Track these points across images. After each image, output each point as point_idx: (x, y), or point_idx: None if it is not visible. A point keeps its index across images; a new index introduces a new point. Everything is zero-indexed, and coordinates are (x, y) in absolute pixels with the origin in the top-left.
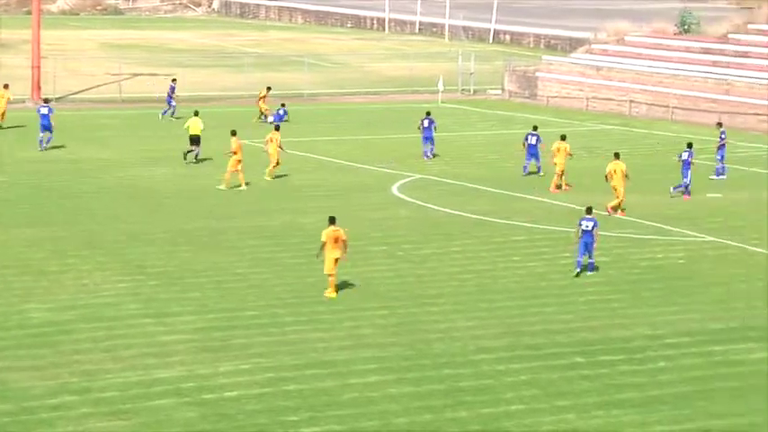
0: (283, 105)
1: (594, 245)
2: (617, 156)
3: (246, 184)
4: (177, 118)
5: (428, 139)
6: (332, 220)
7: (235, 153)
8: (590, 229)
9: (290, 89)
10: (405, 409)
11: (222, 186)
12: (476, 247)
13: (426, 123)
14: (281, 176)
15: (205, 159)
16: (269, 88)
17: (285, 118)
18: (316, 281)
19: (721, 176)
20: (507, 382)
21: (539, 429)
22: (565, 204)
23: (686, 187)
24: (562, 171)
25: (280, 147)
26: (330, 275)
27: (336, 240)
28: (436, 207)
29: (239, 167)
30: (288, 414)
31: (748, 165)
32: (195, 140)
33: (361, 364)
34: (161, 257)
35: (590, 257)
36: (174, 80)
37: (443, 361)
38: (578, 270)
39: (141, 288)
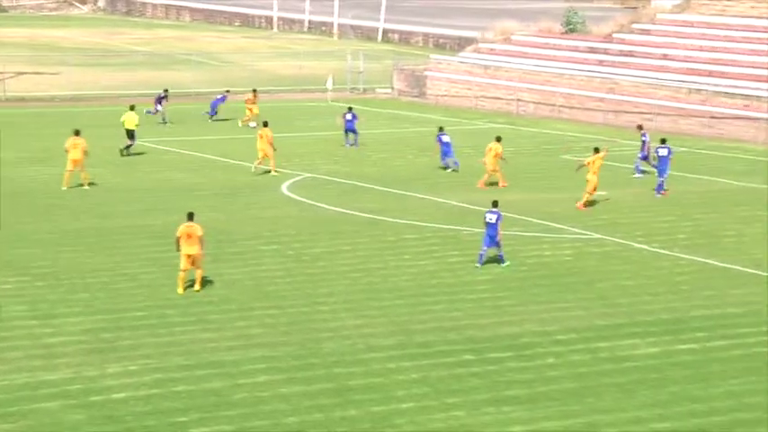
0: (228, 92)
1: (498, 238)
2: (597, 150)
3: (90, 184)
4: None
5: (352, 130)
6: (189, 216)
7: (67, 152)
8: (494, 221)
9: (179, 88)
10: (295, 409)
11: (64, 187)
12: (366, 246)
13: (350, 117)
14: (166, 175)
15: (140, 153)
16: (255, 91)
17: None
18: (205, 281)
19: (641, 175)
20: (398, 381)
21: (429, 427)
22: (454, 203)
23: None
24: (493, 170)
25: (271, 144)
26: (182, 271)
27: (190, 236)
28: (326, 206)
29: (75, 168)
30: (177, 415)
31: (633, 163)
32: (130, 134)
33: (250, 364)
34: (47, 258)
35: (498, 250)
36: (165, 90)
37: (334, 360)
38: (479, 264)
39: (27, 289)
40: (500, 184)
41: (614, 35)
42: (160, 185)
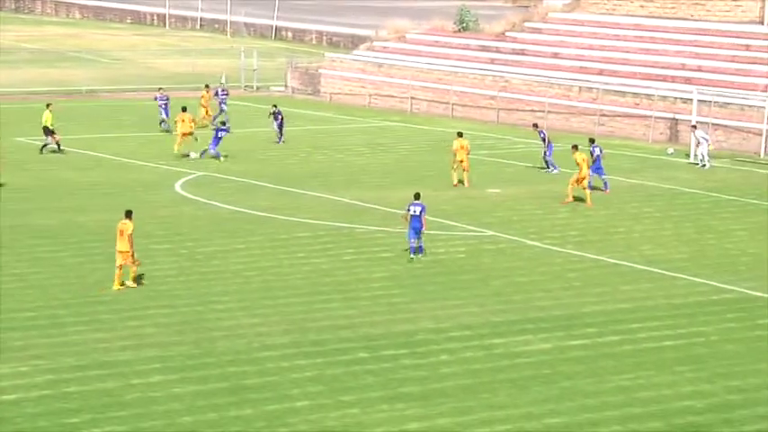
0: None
1: (423, 229)
2: (576, 147)
3: None
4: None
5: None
6: (126, 214)
7: None
8: (418, 213)
9: (69, 85)
10: (189, 408)
11: None
12: (260, 244)
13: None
14: (58, 174)
15: (56, 152)
16: (207, 86)
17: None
18: (96, 280)
19: (554, 171)
20: (292, 379)
21: (323, 425)
22: (348, 201)
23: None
24: (465, 166)
25: (193, 122)
26: (117, 267)
27: (121, 233)
28: (220, 204)
29: None
30: (69, 416)
31: (526, 160)
32: (47, 132)
33: (144, 364)
34: None
35: (419, 241)
36: (160, 89)
37: (228, 359)
38: (412, 255)
39: None
40: (465, 183)
41: (506, 34)
42: (52, 184)
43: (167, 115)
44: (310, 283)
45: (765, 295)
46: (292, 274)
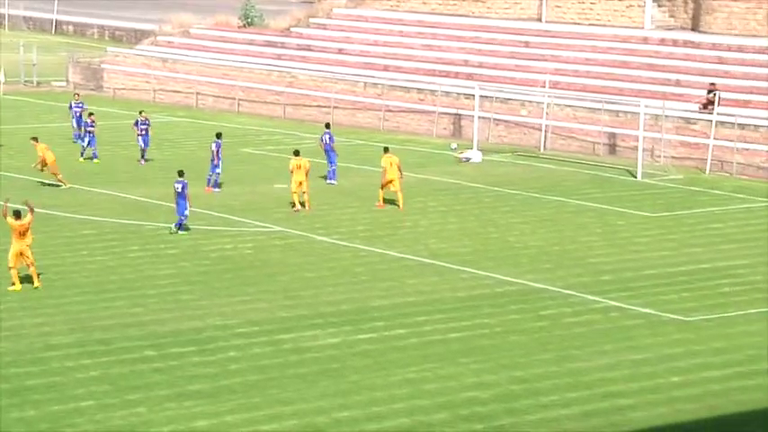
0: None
1: (188, 205)
2: (386, 150)
3: None
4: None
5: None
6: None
7: None
8: (180, 190)
9: None
10: None
11: None
12: (43, 242)
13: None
14: None
15: None
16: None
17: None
18: None
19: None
20: (77, 379)
21: (110, 424)
22: (135, 198)
23: None
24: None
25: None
26: (10, 268)
27: (21, 234)
28: None
29: None
30: None
31: (312, 156)
32: None
33: None
34: None
35: (183, 216)
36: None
37: (9, 360)
38: (176, 229)
39: None
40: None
41: (292, 29)
42: None
43: (80, 125)
44: (95, 282)
45: (547, 287)
46: (76, 272)
